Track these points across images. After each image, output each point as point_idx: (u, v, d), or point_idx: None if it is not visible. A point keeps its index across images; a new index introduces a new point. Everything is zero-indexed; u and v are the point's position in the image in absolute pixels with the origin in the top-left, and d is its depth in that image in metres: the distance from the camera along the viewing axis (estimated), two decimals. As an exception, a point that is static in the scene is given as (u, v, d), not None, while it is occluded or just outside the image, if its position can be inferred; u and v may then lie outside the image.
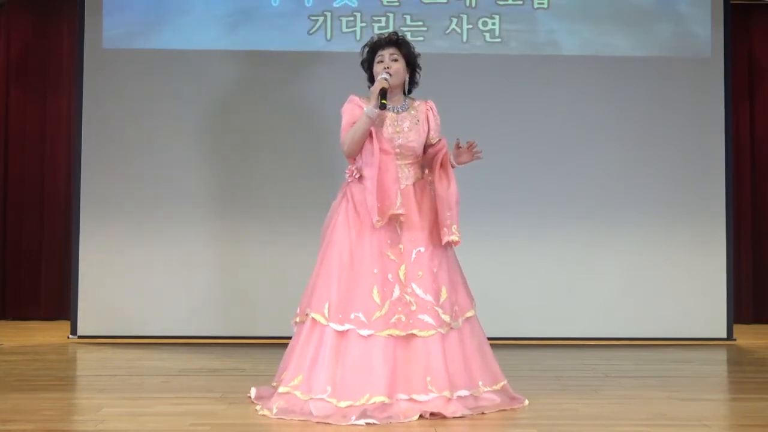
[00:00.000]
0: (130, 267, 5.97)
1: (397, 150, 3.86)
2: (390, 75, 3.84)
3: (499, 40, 6.10)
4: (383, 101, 3.76)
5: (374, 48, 3.96)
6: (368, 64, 3.98)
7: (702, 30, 6.14)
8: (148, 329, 5.94)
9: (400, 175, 3.84)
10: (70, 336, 5.95)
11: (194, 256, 5.99)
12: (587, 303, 6.02)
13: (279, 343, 5.73)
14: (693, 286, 6.07)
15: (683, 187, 6.11)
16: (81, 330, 5.94)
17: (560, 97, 6.08)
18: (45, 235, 7.04)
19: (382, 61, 3.90)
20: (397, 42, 3.94)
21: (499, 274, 5.95)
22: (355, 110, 3.86)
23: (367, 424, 3.49)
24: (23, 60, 7.10)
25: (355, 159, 3.89)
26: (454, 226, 3.85)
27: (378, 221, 3.75)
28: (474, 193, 5.87)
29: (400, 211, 3.77)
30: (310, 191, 5.94)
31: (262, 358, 5.24)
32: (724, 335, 6.06)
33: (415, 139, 3.90)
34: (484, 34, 6.09)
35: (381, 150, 3.78)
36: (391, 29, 5.94)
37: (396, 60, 3.90)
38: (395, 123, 3.89)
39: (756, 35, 7.27)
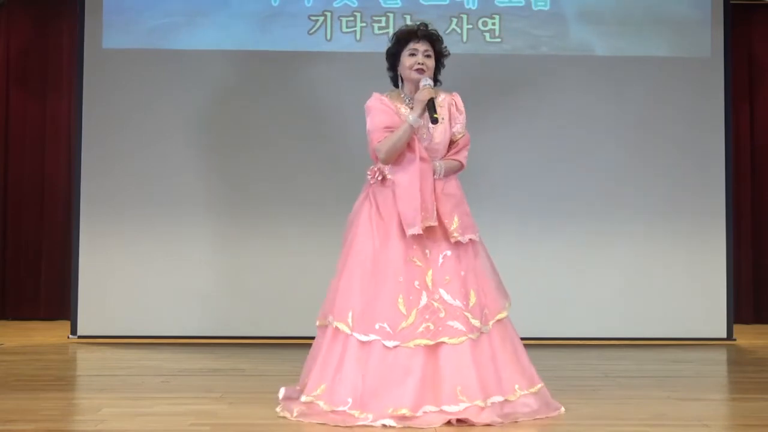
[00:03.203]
0: (130, 267, 5.96)
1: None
2: (429, 79, 3.69)
3: (499, 40, 6.10)
4: (435, 115, 3.62)
5: (406, 39, 3.74)
6: (395, 55, 3.78)
7: (702, 30, 6.14)
8: (148, 329, 5.94)
9: None
10: (70, 336, 5.95)
11: (194, 256, 5.99)
12: (587, 303, 6.02)
13: (279, 343, 5.76)
14: (693, 286, 6.07)
15: (683, 187, 6.11)
16: (81, 330, 5.94)
17: (560, 98, 6.08)
18: (45, 236, 7.04)
19: (414, 55, 3.71)
20: (431, 37, 3.75)
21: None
22: (385, 112, 3.71)
23: (384, 426, 3.38)
24: (23, 60, 7.10)
25: (377, 159, 3.74)
26: (446, 221, 3.69)
27: (416, 231, 3.59)
28: (473, 194, 5.86)
29: (434, 224, 3.65)
30: (311, 191, 5.95)
31: (262, 358, 5.24)
32: (724, 335, 6.06)
33: (440, 140, 3.75)
34: (484, 34, 6.09)
35: (421, 159, 3.65)
36: (391, 29, 5.95)
37: (429, 56, 3.72)
38: (435, 124, 3.72)
39: (756, 35, 7.27)
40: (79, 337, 5.93)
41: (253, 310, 5.95)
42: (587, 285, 6.04)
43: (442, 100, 3.80)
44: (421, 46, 3.73)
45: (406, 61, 3.74)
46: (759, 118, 7.29)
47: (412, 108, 3.73)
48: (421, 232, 3.61)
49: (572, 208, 6.06)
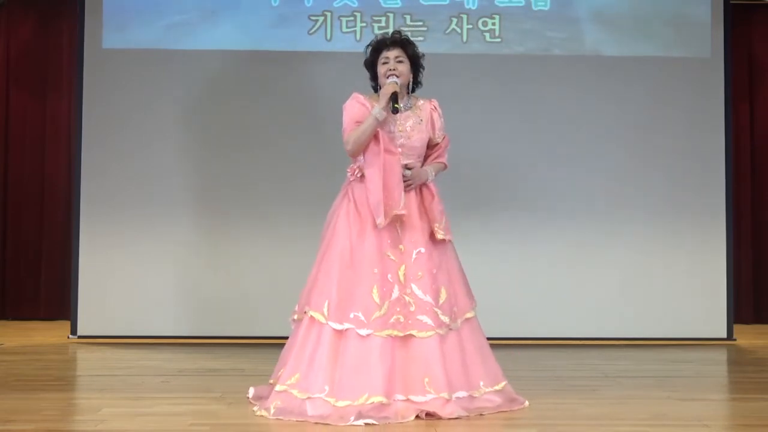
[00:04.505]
0: (130, 267, 5.96)
1: (400, 149, 3.86)
2: (398, 78, 3.85)
3: (499, 40, 6.10)
4: (396, 105, 3.80)
5: (378, 48, 3.94)
6: (372, 64, 3.98)
7: (702, 30, 6.14)
8: (148, 329, 5.94)
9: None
10: (70, 336, 5.95)
11: (194, 256, 5.99)
12: (587, 303, 6.02)
13: (279, 343, 5.72)
14: (693, 286, 6.07)
15: (683, 187, 6.11)
16: (81, 330, 5.94)
17: (560, 97, 6.08)
18: (45, 236, 7.04)
19: (386, 63, 3.90)
20: (401, 43, 3.93)
21: (498, 274, 5.95)
22: (359, 108, 3.87)
23: (366, 424, 3.48)
24: (23, 60, 7.10)
25: (356, 158, 3.89)
26: (437, 224, 3.86)
27: (383, 222, 3.73)
28: (473, 193, 5.90)
29: (402, 212, 3.77)
30: (311, 191, 5.94)
31: (262, 358, 5.24)
32: (724, 335, 6.06)
33: (418, 139, 3.91)
34: (484, 34, 6.09)
35: (386, 150, 3.79)
36: (391, 29, 5.92)
37: (401, 61, 3.90)
38: (398, 122, 3.89)
39: (756, 35, 7.27)
40: (79, 337, 5.93)
41: (252, 310, 5.94)
42: (587, 285, 6.04)
43: (422, 104, 3.99)
44: (393, 53, 3.92)
45: (380, 69, 3.93)
46: (759, 118, 7.29)
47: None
48: (385, 224, 3.74)
49: (572, 208, 6.06)
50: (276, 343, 5.73)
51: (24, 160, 7.09)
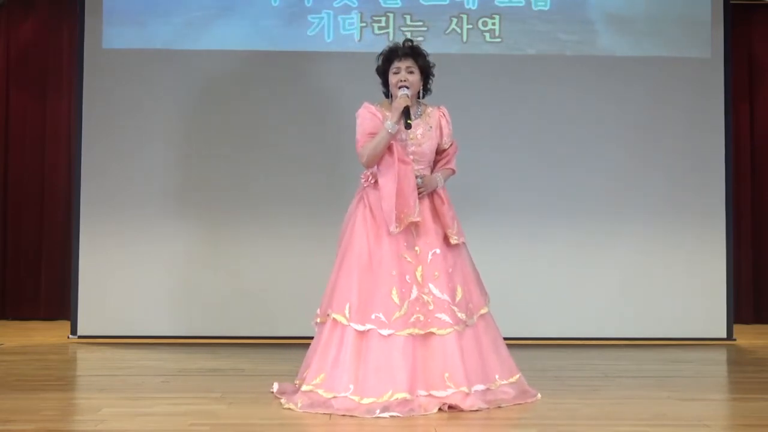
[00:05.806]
0: (130, 267, 5.96)
1: (411, 157, 3.98)
2: (408, 89, 3.94)
3: (499, 40, 6.10)
4: (409, 121, 3.89)
5: (390, 58, 4.05)
6: (383, 73, 4.08)
7: (702, 30, 6.14)
8: (148, 329, 5.94)
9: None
10: (70, 336, 5.95)
11: (194, 255, 5.99)
12: (587, 303, 6.02)
13: (279, 343, 5.77)
14: (693, 286, 6.07)
15: (683, 187, 6.11)
16: (81, 330, 5.94)
17: (560, 98, 6.08)
18: (45, 235, 7.03)
19: (397, 73, 4.00)
20: (413, 53, 4.03)
21: (499, 274, 5.92)
22: (371, 119, 3.97)
23: (392, 416, 3.61)
24: (23, 60, 7.09)
25: (370, 168, 4.02)
26: (449, 229, 4.00)
27: (396, 228, 3.86)
28: (473, 193, 5.90)
29: (417, 219, 3.91)
30: (311, 191, 5.95)
31: (263, 358, 5.24)
32: (724, 335, 6.06)
33: (428, 146, 4.04)
34: (484, 34, 6.09)
35: (399, 160, 3.90)
36: (391, 29, 5.96)
37: (412, 72, 4.01)
38: (410, 130, 3.98)
39: (756, 35, 7.27)
40: (79, 337, 5.92)
41: (253, 310, 5.94)
42: (587, 285, 6.04)
43: (431, 111, 4.10)
44: (404, 63, 4.02)
45: (391, 78, 4.04)
46: (759, 118, 7.29)
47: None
48: (397, 230, 3.87)
49: (572, 208, 6.06)
50: (277, 343, 5.77)
51: (24, 160, 7.08)
